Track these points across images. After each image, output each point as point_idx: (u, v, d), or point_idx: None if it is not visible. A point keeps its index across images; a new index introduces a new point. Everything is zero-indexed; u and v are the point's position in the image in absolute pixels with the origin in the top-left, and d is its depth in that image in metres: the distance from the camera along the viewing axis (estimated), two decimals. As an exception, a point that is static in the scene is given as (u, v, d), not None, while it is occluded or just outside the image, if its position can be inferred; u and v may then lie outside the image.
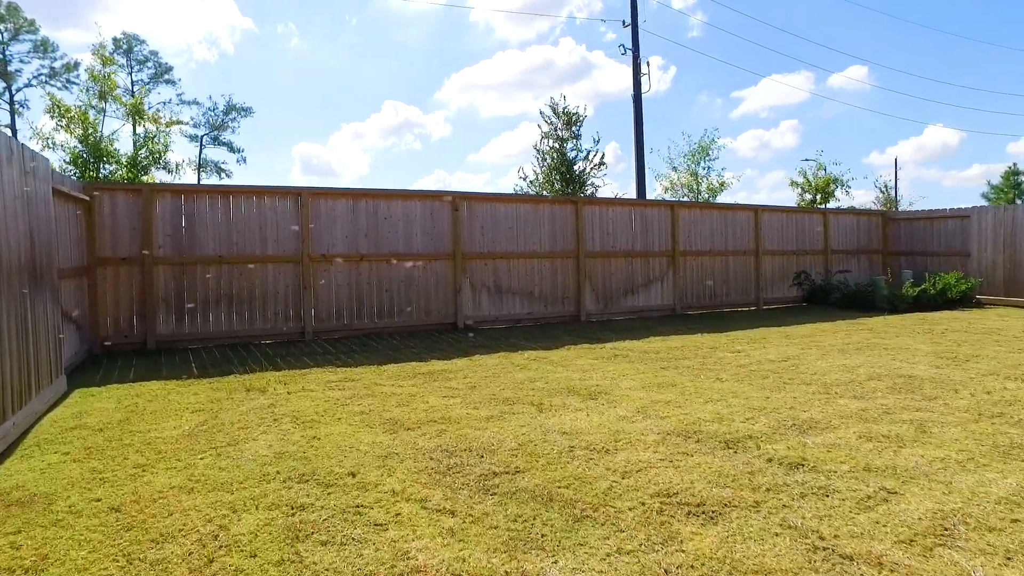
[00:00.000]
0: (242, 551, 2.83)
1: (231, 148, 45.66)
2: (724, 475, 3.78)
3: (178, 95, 43.99)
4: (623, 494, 3.50)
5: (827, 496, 3.47)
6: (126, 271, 8.71)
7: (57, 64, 40.71)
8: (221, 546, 2.89)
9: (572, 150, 16.44)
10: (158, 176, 15.80)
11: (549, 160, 16.11)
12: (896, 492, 3.51)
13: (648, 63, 22.32)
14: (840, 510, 3.28)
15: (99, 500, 3.38)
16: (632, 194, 21.02)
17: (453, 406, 5.53)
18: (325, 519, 3.16)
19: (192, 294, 9.04)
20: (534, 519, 3.18)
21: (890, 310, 13.68)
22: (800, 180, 24.63)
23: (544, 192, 16.77)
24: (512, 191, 18.10)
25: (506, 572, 2.66)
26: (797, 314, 13.20)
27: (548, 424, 4.89)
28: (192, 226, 9.03)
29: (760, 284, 14.86)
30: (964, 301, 14.67)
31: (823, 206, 23.22)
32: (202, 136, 44.59)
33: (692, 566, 2.72)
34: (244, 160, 46.53)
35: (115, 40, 38.98)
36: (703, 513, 3.26)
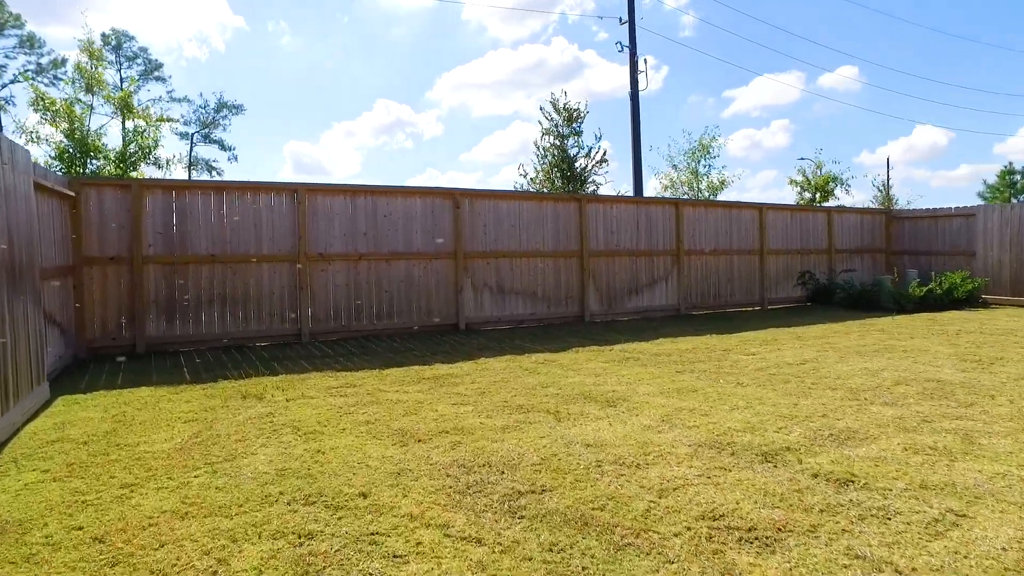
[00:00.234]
0: (244, 590, 2.49)
1: (222, 146, 45.07)
2: (769, 493, 3.46)
3: (168, 92, 43.31)
4: (664, 517, 3.17)
5: (889, 519, 3.15)
6: (114, 271, 8.30)
7: (44, 60, 39.97)
8: (220, 584, 2.54)
9: (573, 147, 16.13)
10: (148, 172, 15.33)
11: (550, 157, 15.79)
12: (965, 515, 3.20)
13: (645, 60, 22.06)
14: (908, 536, 2.96)
15: (81, 528, 3.02)
16: (628, 192, 20.79)
17: (464, 415, 5.19)
18: (337, 550, 2.81)
19: (184, 294, 8.64)
20: (571, 548, 2.85)
21: (897, 310, 13.44)
22: (799, 179, 24.43)
23: (545, 190, 16.46)
24: (512, 189, 17.79)
25: (549, 615, 2.33)
26: (803, 315, 12.93)
27: (569, 435, 4.56)
28: (184, 224, 8.63)
29: (764, 284, 14.59)
30: (970, 301, 14.46)
31: (823, 204, 23.06)
32: (193, 134, 43.95)
33: (759, 606, 2.39)
34: (235, 158, 45.94)
35: (103, 36, 38.32)
36: (757, 540, 2.94)
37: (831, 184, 23.50)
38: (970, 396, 5.75)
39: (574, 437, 4.50)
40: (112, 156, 14.65)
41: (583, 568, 2.67)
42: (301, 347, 8.85)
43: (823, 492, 3.48)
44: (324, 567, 2.66)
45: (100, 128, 14.90)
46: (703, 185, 21.98)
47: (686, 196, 22.82)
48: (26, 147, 6.24)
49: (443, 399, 5.78)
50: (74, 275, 8.01)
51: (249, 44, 68.59)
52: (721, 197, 23.12)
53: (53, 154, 14.19)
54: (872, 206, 33.85)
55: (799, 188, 24.27)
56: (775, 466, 3.91)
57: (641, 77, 22.25)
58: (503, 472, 3.80)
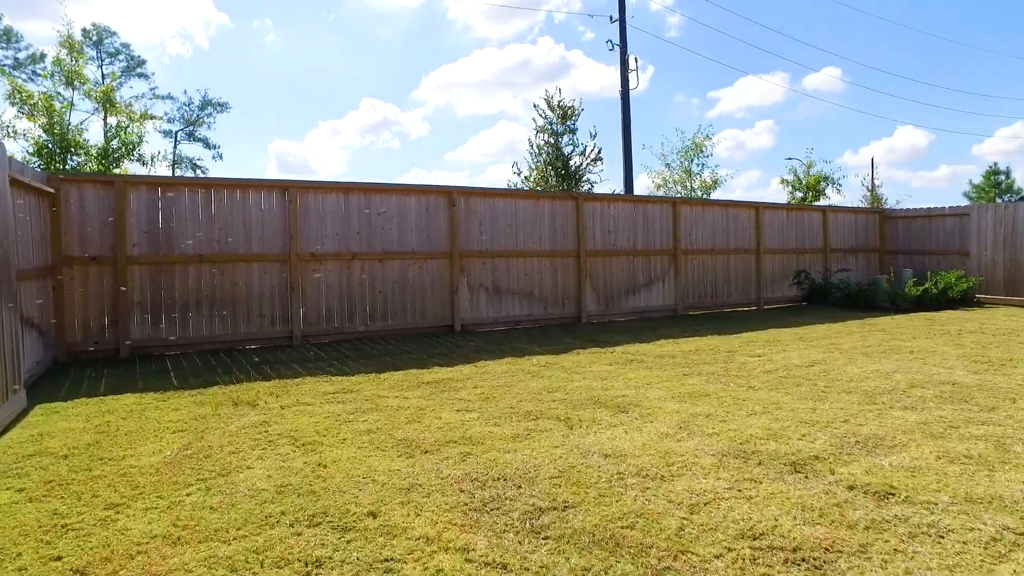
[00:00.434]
0: (247, 630, 2.21)
1: (207, 144, 44.27)
2: (808, 508, 3.23)
3: (151, 89, 42.48)
4: (700, 536, 2.93)
5: (943, 537, 2.93)
6: (96, 271, 7.93)
7: (22, 55, 39.07)
8: (219, 622, 2.26)
9: (567, 144, 15.88)
10: (132, 169, 14.88)
11: (544, 155, 15.54)
12: (1021, 532, 2.99)
13: (636, 59, 21.94)
14: (968, 558, 2.75)
15: (60, 559, 2.72)
16: (619, 191, 20.64)
17: (470, 422, 4.93)
18: (348, 579, 2.54)
19: (170, 296, 8.29)
20: (605, 573, 2.60)
21: (893, 310, 13.35)
22: (791, 178, 24.40)
23: (539, 188, 16.22)
24: (507, 187, 17.52)
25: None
26: (800, 315, 12.80)
27: (584, 444, 4.31)
28: (170, 222, 8.27)
29: (761, 284, 14.46)
30: (965, 300, 14.42)
31: (818, 204, 23.02)
32: (176, 132, 43.14)
33: (824, 642, 2.16)
34: (220, 156, 45.14)
35: (84, 31, 37.49)
36: (804, 561, 2.71)
37: (822, 184, 23.49)
38: (990, 400, 5.58)
39: (590, 447, 4.25)
40: (94, 152, 14.19)
41: (622, 598, 2.43)
42: (293, 350, 8.53)
43: (864, 506, 3.26)
44: (336, 601, 2.39)
45: (81, 123, 14.44)
46: (696, 184, 21.87)
47: (679, 195, 22.71)
48: (1, 141, 5.88)
49: (446, 405, 5.51)
50: (54, 276, 7.64)
51: (234, 42, 67.69)
52: (714, 196, 23.06)
53: (31, 150, 13.72)
54: (862, 206, 33.99)
55: (791, 187, 24.25)
56: (806, 477, 3.69)
57: (631, 76, 22.20)
58: (520, 487, 3.54)
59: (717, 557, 2.74)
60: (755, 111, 73.34)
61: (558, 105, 15.63)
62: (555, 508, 3.24)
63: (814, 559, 2.73)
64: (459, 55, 77.07)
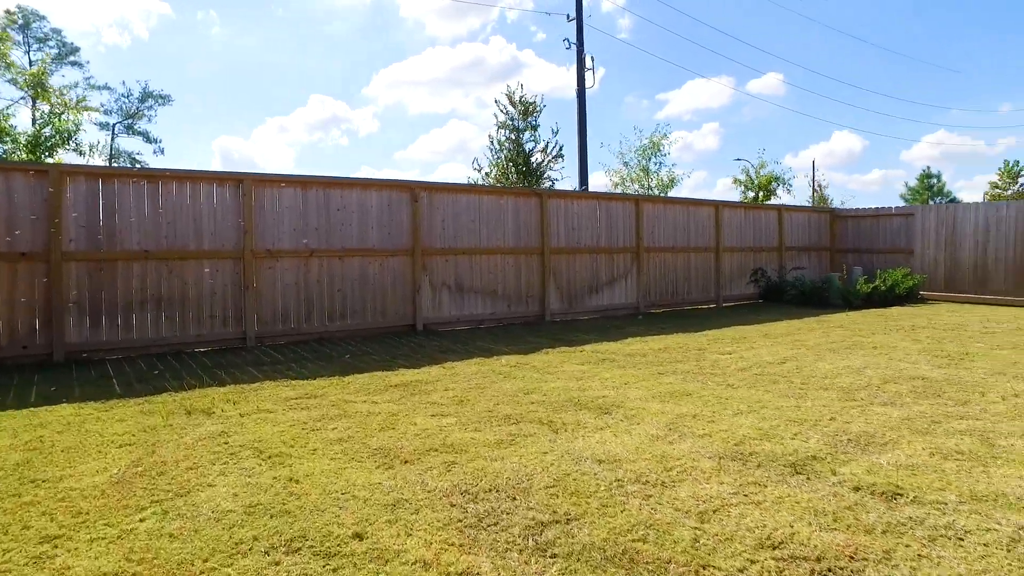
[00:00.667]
0: None
1: (147, 138, 42.08)
2: (820, 512, 3.08)
3: (86, 79, 40.12)
4: (718, 548, 2.73)
5: (962, 540, 2.82)
6: (26, 268, 7.26)
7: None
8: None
9: (529, 141, 15.68)
10: (67, 160, 13.87)
11: (505, 151, 15.30)
12: (1034, 530, 2.91)
13: (592, 58, 21.98)
14: (995, 561, 2.63)
15: (-8, 603, 2.32)
16: (575, 189, 20.63)
17: (449, 428, 4.63)
18: (340, 615, 2.23)
19: (112, 295, 7.65)
20: (625, 595, 2.37)
21: (845, 307, 13.66)
22: (743, 178, 24.87)
23: (500, 184, 15.99)
24: (469, 183, 17.17)
25: None
26: (759, 312, 12.94)
27: (574, 449, 4.08)
28: (112, 216, 7.64)
29: (720, 282, 14.58)
30: (911, 297, 14.89)
31: (774, 203, 23.54)
32: (114, 124, 40.88)
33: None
34: (162, 151, 42.94)
35: (7, 12, 35.14)
36: (831, 572, 2.54)
37: (774, 184, 24.04)
38: (960, 394, 5.62)
39: (581, 452, 4.02)
40: (23, 141, 13.14)
41: (649, 623, 2.20)
42: (247, 352, 8.02)
43: (875, 509, 3.13)
44: (329, 643, 2.07)
45: (8, 108, 13.38)
46: (653, 183, 22.03)
47: (640, 192, 22.84)
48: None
49: (419, 410, 5.20)
50: (-23, 274, 6.94)
51: (176, 33, 64.79)
52: (671, 195, 23.29)
53: (-51, 139, 12.60)
54: (813, 205, 34.99)
55: (743, 187, 24.72)
56: (808, 479, 3.55)
57: (588, 75, 22.22)
58: (515, 498, 3.28)
59: (741, 571, 2.55)
60: (702, 113, 75.07)
61: (520, 101, 15.42)
62: (557, 521, 3.00)
63: (840, 568, 2.57)
64: (410, 53, 76.14)
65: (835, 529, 2.92)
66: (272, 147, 70.50)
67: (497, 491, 3.37)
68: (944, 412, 5.00)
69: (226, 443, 4.23)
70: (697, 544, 2.77)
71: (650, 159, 21.70)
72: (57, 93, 14.17)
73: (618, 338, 9.35)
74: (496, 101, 15.70)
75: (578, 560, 2.63)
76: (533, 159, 15.66)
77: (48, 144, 13.31)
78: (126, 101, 40.34)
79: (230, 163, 66.01)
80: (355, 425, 4.69)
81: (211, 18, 65.26)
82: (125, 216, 7.70)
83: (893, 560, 2.64)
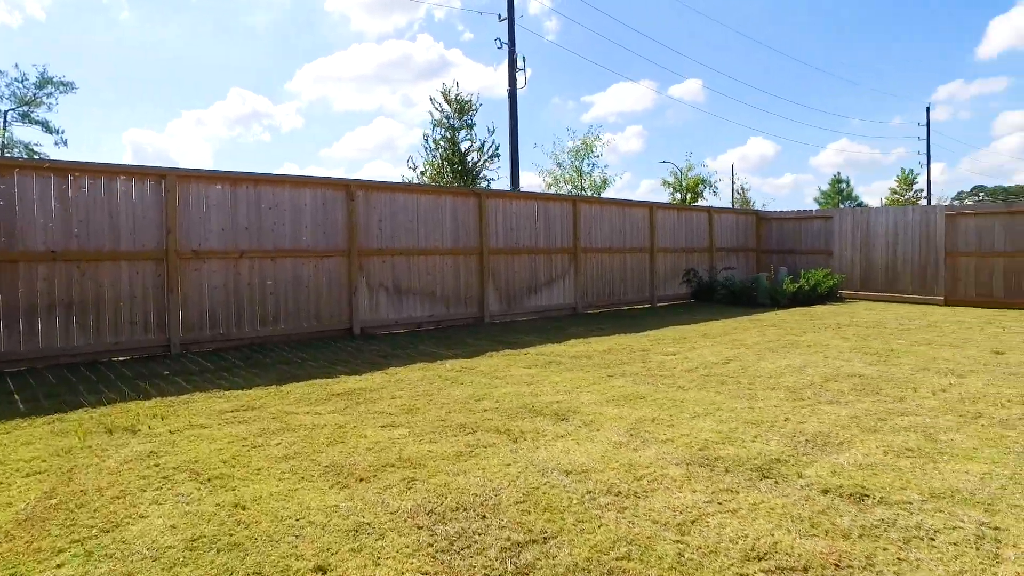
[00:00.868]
0: None
1: (47, 128, 38.87)
2: (795, 518, 3.05)
3: (-31, 61, 36.84)
4: (705, 561, 2.64)
5: (934, 540, 2.85)
6: (-91, 271, 6.43)
7: None
8: None
9: (465, 139, 15.43)
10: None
11: (440, 150, 14.99)
12: (999, 528, 2.98)
13: (524, 58, 22.00)
14: (968, 562, 2.66)
15: None
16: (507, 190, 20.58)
17: (402, 440, 4.38)
18: (311, 666, 1.97)
19: (12, 300, 6.89)
20: (619, 622, 2.23)
21: (772, 306, 14.18)
22: (671, 180, 25.54)
23: (435, 184, 15.67)
24: (405, 181, 16.68)
25: None
26: (693, 312, 13.24)
27: (537, 460, 3.93)
28: (11, 212, 6.87)
29: (655, 282, 14.84)
30: (831, 296, 15.63)
31: (704, 205, 24.21)
32: (7, 112, 37.68)
33: None
34: (64, 142, 39.72)
35: None
36: (819, 583, 2.49)
37: (701, 186, 24.79)
38: (896, 390, 5.84)
39: (545, 462, 3.87)
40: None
41: (650, 652, 2.06)
42: (172, 361, 7.42)
43: (847, 512, 3.14)
44: None
45: None
46: (586, 183, 22.26)
47: (571, 193, 23.02)
48: None
49: (367, 421, 4.91)
50: None
51: (78, 15, 60.42)
52: (603, 196, 23.59)
53: None
54: (740, 207, 36.37)
55: (672, 189, 25.39)
56: (777, 483, 3.53)
57: (519, 75, 22.23)
58: (485, 516, 3.09)
59: (731, 587, 2.46)
60: (626, 116, 76.97)
61: (455, 99, 15.16)
62: (534, 541, 2.83)
63: (828, 579, 2.52)
64: (336, 48, 74.23)
65: (815, 535, 2.89)
66: (189, 142, 67.01)
67: (465, 509, 3.17)
68: (885, 409, 5.16)
69: (157, 465, 3.83)
70: (683, 559, 2.67)
71: (583, 160, 21.98)
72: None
73: (560, 339, 9.28)
74: (431, 99, 15.40)
75: (564, 584, 2.47)
76: (469, 158, 15.46)
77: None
78: (20, 86, 37.18)
79: (143, 157, 62.30)
80: (301, 440, 4.36)
81: (119, 2, 61.35)
82: (28, 212, 6.96)
83: (876, 566, 2.62)
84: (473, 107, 15.37)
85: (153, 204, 7.67)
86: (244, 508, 3.16)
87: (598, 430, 4.58)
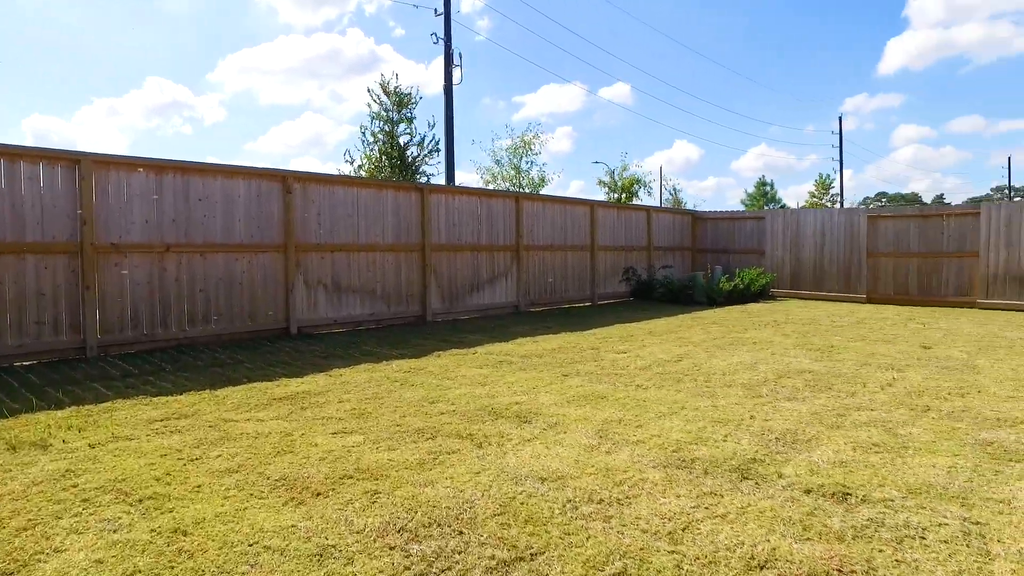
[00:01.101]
0: None
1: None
2: (786, 521, 2.94)
3: None
4: (707, 574, 2.47)
5: (924, 539, 2.79)
6: None
7: None
8: None
9: (404, 133, 14.96)
10: None
11: (379, 143, 14.45)
12: (981, 523, 2.96)
13: (460, 55, 21.72)
14: (963, 560, 2.60)
15: None
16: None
17: (357, 448, 4.04)
18: None
19: None
20: (629, 648, 2.02)
21: (709, 304, 14.48)
22: (607, 179, 25.82)
23: (373, 178, 15.12)
24: (344, 174, 15.90)
25: None
26: (634, 310, 13.33)
27: (508, 466, 3.69)
28: None
29: (596, 280, 14.87)
30: (764, 294, 16.14)
31: (643, 204, 24.57)
32: None
33: None
34: (-50, 128, 36.51)
35: None
36: (826, 592, 2.37)
37: (636, 186, 25.18)
38: (847, 386, 5.94)
39: (517, 469, 3.64)
40: None
41: None
42: (89, 365, 6.72)
43: (835, 512, 3.05)
44: None
45: None
46: (524, 182, 22.15)
47: (509, 189, 22.85)
48: None
49: (316, 427, 4.53)
50: None
51: (-32, -11, 55.44)
52: (542, 193, 23.54)
53: None
54: (676, 207, 37.18)
55: (607, 188, 25.66)
56: (758, 484, 3.43)
57: (456, 71, 21.92)
58: (462, 532, 2.82)
59: (739, 601, 2.30)
60: (556, 117, 77.92)
61: (394, 91, 14.67)
62: (521, 559, 2.59)
63: (833, 587, 2.40)
64: (262, 39, 71.59)
65: (809, 539, 2.78)
66: (101, 131, 62.93)
67: (439, 525, 2.89)
68: (842, 404, 5.21)
69: (75, 486, 3.35)
70: (682, 572, 2.49)
71: (521, 158, 21.87)
72: None
73: (507, 338, 9.08)
74: (369, 90, 14.88)
75: (562, 607, 2.25)
76: (409, 153, 15.01)
77: None
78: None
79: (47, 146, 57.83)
80: (244, 450, 3.95)
81: (19, -22, 56.72)
82: (-86, 199, 6.14)
83: (877, 570, 2.53)
84: (413, 100, 14.94)
85: (66, 192, 6.93)
86: (186, 534, 2.76)
87: (565, 432, 4.39)
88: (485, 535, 2.79)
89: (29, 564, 2.53)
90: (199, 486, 3.33)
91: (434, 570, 2.49)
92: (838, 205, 41.88)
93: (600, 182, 25.89)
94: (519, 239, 12.86)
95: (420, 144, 15.14)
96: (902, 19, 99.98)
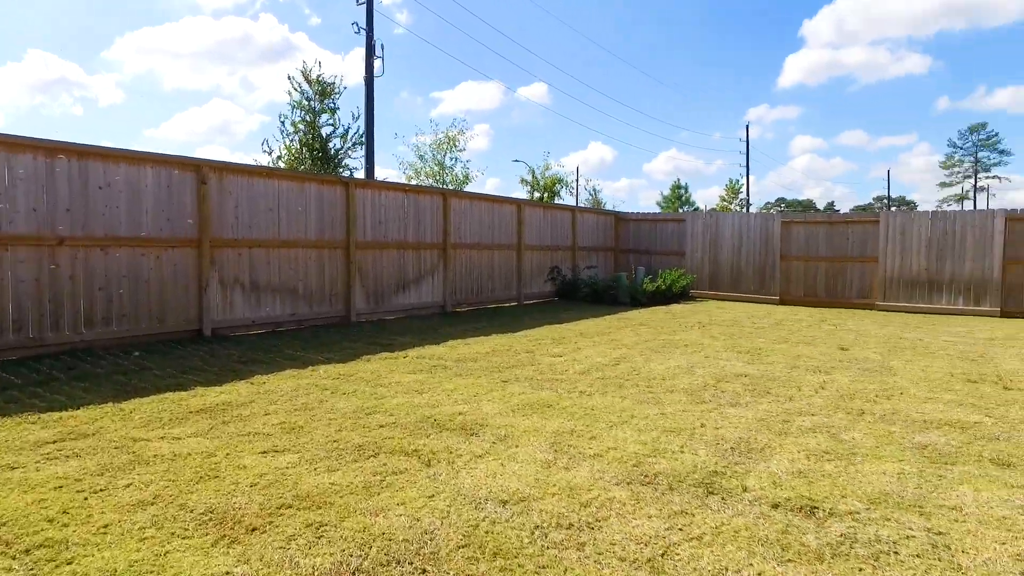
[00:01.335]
0: None
1: None
2: (765, 542, 2.84)
3: None
4: (695, 609, 2.31)
5: (898, 553, 2.76)
6: None
7: None
8: None
9: (327, 124, 14.22)
10: None
11: (300, 134, 13.66)
12: (943, 532, 2.98)
13: (383, 46, 21.10)
14: (938, 573, 2.58)
15: None
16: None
17: (292, 470, 3.65)
18: None
19: None
20: None
21: (633, 304, 14.67)
22: (529, 178, 25.83)
23: (294, 170, 14.27)
24: (264, 165, 14.89)
25: None
26: (561, 310, 13.31)
27: (463, 488, 3.41)
28: None
29: (522, 279, 14.75)
30: (684, 295, 16.56)
31: (568, 204, 24.67)
32: None
33: None
34: None
35: None
36: (820, 622, 2.26)
37: (558, 185, 25.33)
38: (783, 389, 6.05)
39: (474, 491, 3.37)
40: None
41: None
42: (-41, 376, 5.86)
43: (807, 528, 2.99)
44: None
45: None
46: (448, 179, 21.74)
47: (433, 185, 22.35)
48: None
49: (242, 445, 4.08)
50: None
51: None
52: (466, 190, 23.19)
53: None
54: (599, 207, 37.71)
55: (529, 187, 25.67)
56: (724, 499, 3.33)
57: (376, 63, 21.28)
58: (425, 571, 2.53)
59: (738, 640, 2.14)
60: (474, 114, 78.03)
61: (317, 79, 13.91)
62: (498, 600, 2.33)
63: (826, 616, 2.30)
64: (165, 18, 67.04)
65: (791, 560, 2.68)
66: (-29, 106, 56.84)
67: (399, 563, 2.58)
68: (783, 409, 5.26)
69: (-51, 529, 2.79)
70: (672, 607, 2.32)
71: (446, 154, 21.45)
72: None
73: (438, 340, 8.76)
74: (289, 77, 14.06)
75: (552, 659, 2.01)
76: (331, 145, 14.30)
77: None
78: None
79: (-94, 121, 51.76)
80: (161, 476, 3.46)
81: None
82: None
83: (863, 594, 2.46)
84: (336, 90, 14.24)
85: (-67, 175, 6.01)
86: (96, 589, 2.32)
87: (517, 446, 4.16)
88: (451, 572, 2.51)
89: None
90: (106, 526, 2.85)
91: (401, 620, 2.19)
92: (746, 209, 43.99)
93: (522, 180, 25.89)
94: (447, 237, 12.53)
95: (344, 136, 14.45)
96: (799, 38, 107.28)
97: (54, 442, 4.04)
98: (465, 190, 23.62)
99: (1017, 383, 6.50)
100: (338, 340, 8.64)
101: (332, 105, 13.93)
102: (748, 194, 43.17)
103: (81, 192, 7.01)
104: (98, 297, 7.19)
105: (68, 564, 2.51)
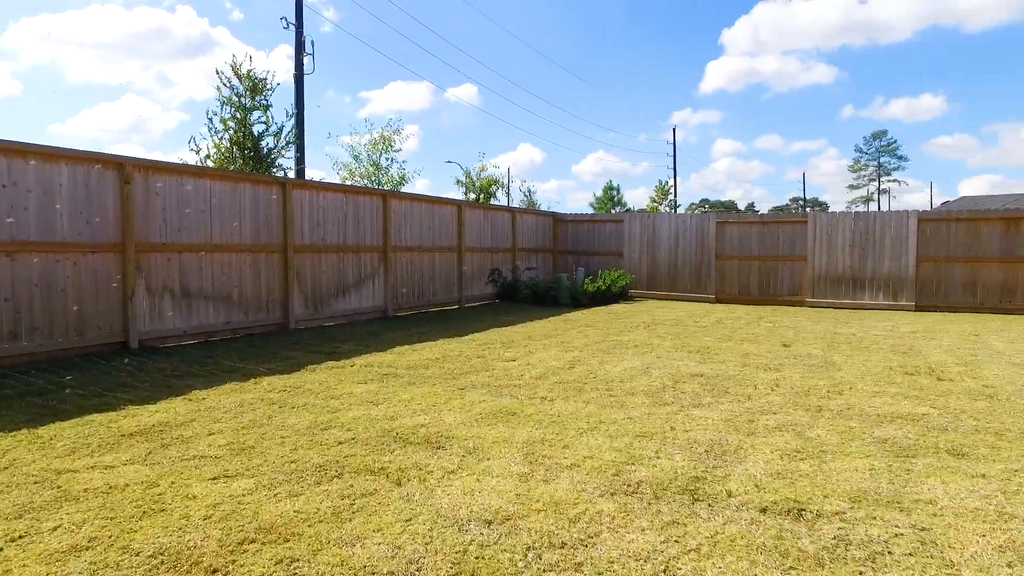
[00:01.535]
0: None
1: None
2: (763, 549, 2.77)
3: None
4: (712, 631, 2.19)
5: (892, 554, 2.75)
6: None
7: None
8: None
9: (259, 122, 13.54)
10: None
11: (230, 132, 12.91)
12: (928, 528, 3.00)
13: (313, 43, 20.45)
14: (936, 572, 2.57)
15: None
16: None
17: (249, 498, 3.32)
18: None
19: None
20: None
21: (574, 305, 14.71)
22: (465, 180, 25.61)
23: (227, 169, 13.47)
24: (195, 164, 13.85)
25: None
26: (504, 312, 13.17)
27: (441, 508, 3.19)
28: None
29: (463, 282, 14.53)
30: (623, 295, 16.76)
31: (507, 205, 24.49)
32: None
33: None
34: None
35: None
36: (837, 636, 2.18)
37: (494, 187, 25.19)
38: (740, 388, 6.10)
39: (454, 512, 3.15)
40: None
41: None
42: None
43: (800, 533, 2.94)
44: None
45: None
46: (384, 179, 21.20)
47: (362, 186, 21.69)
48: None
49: (188, 471, 3.70)
50: None
51: None
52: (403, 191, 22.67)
53: None
54: (538, 209, 37.68)
55: (465, 188, 25.44)
56: (712, 506, 3.25)
57: (306, 60, 20.59)
58: (418, 605, 2.30)
59: (762, 663, 2.03)
60: (404, 115, 77.29)
61: (248, 75, 13.21)
62: (503, 636, 2.14)
63: (841, 629, 2.22)
64: (70, 6, 62.67)
65: (793, 568, 2.61)
66: None
67: (387, 599, 2.35)
68: (746, 409, 5.29)
69: None
70: (687, 631, 2.19)
71: (381, 154, 20.91)
72: None
73: (384, 347, 8.44)
74: (218, 72, 13.23)
75: None
76: (264, 143, 13.64)
77: None
78: None
79: None
80: (95, 514, 3.07)
81: None
82: None
83: (871, 601, 2.41)
84: (268, 87, 13.58)
85: None
86: (34, 658, 1.98)
87: (489, 459, 3.96)
88: (447, 607, 2.30)
89: None
90: None
91: (400, 669, 1.96)
92: (674, 210, 45.24)
93: (458, 182, 25.60)
94: (387, 239, 12.16)
95: (277, 135, 13.80)
96: (719, 45, 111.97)
97: (-37, 477, 3.54)
98: (403, 191, 23.15)
99: (947, 374, 6.82)
100: (278, 349, 8.18)
101: (264, 102, 13.28)
102: (675, 195, 44.43)
103: (-15, 193, 6.31)
104: (4, 309, 6.48)
105: (-5, 628, 2.15)
